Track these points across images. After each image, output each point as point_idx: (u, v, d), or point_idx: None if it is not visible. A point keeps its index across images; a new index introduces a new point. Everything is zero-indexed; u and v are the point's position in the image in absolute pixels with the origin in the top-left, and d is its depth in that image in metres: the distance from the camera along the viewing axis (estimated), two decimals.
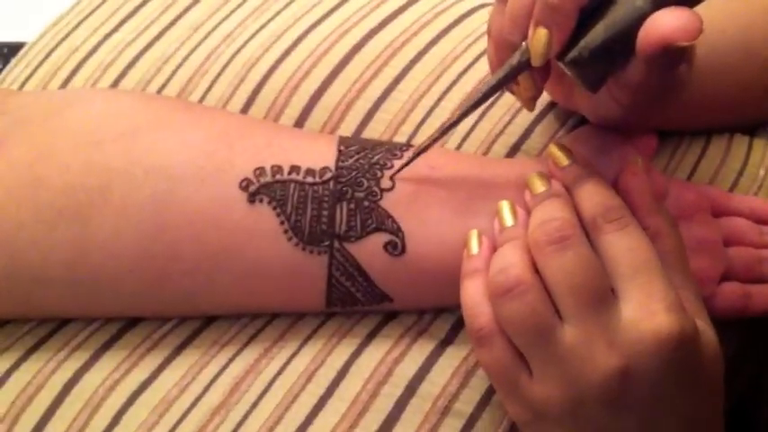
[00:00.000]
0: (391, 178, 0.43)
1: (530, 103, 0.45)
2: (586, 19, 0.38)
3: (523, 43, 0.40)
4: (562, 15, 0.37)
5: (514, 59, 0.40)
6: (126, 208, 0.41)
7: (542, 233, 0.38)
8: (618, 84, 0.39)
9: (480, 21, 0.54)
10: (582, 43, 0.38)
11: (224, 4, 0.55)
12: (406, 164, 0.43)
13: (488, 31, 0.44)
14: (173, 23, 0.54)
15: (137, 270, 0.42)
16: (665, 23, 0.34)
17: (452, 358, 0.44)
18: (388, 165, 0.43)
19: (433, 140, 0.43)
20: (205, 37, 0.53)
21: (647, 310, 0.36)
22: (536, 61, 0.39)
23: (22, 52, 0.56)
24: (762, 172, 0.51)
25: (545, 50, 0.38)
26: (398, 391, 0.43)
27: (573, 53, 0.38)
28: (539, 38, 0.38)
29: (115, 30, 0.54)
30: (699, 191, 0.47)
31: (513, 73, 0.41)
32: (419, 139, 0.49)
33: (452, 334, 0.45)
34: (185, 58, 0.52)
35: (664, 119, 0.49)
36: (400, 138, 0.49)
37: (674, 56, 0.35)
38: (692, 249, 0.44)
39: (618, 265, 0.38)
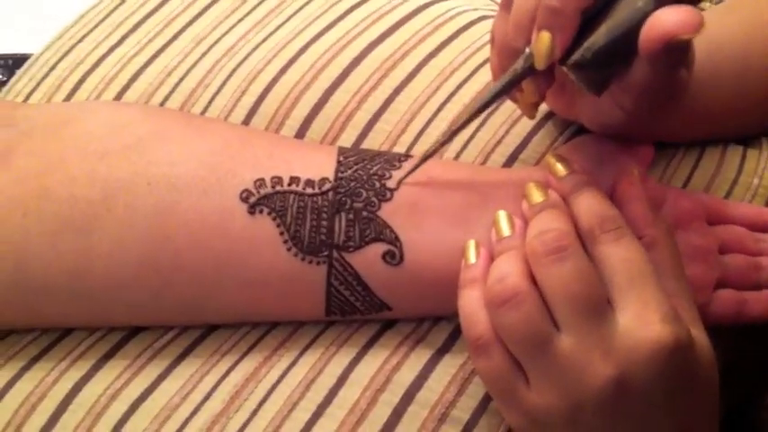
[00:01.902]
0: (397, 185, 0.43)
1: (531, 110, 0.45)
2: (589, 23, 0.38)
3: (527, 49, 0.40)
4: (564, 18, 0.37)
5: (518, 65, 0.41)
6: (129, 219, 0.42)
7: (540, 243, 0.39)
8: (621, 87, 0.40)
9: (479, 34, 0.54)
10: (585, 46, 0.38)
11: (226, 17, 0.56)
12: (413, 170, 0.44)
13: (491, 40, 0.44)
14: (176, 37, 0.55)
15: (140, 280, 0.42)
16: (666, 19, 0.34)
17: (450, 366, 0.44)
18: (387, 175, 0.44)
19: (440, 145, 0.44)
20: (208, 50, 0.54)
21: (642, 320, 0.37)
22: (540, 64, 0.39)
23: (26, 64, 0.56)
24: (756, 181, 0.51)
25: (548, 53, 0.38)
26: (396, 399, 0.43)
27: (576, 56, 0.38)
28: (542, 41, 0.38)
29: (119, 43, 0.55)
30: (694, 199, 0.48)
31: (518, 78, 0.41)
32: (419, 150, 0.49)
33: (450, 342, 0.45)
34: (188, 71, 0.53)
35: (662, 129, 0.49)
36: (400, 148, 0.50)
37: (676, 52, 0.36)
38: (687, 257, 0.45)
39: (614, 275, 0.38)
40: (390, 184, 0.44)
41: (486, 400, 0.44)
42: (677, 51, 0.36)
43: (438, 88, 0.52)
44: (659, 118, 0.46)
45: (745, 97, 0.50)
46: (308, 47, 0.53)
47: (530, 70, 0.40)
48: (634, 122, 0.43)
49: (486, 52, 0.53)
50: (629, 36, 0.36)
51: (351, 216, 0.43)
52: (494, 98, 0.42)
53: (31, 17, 0.88)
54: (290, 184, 0.43)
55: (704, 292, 0.45)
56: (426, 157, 0.44)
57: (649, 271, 0.38)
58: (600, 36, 0.37)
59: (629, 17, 0.36)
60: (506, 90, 0.42)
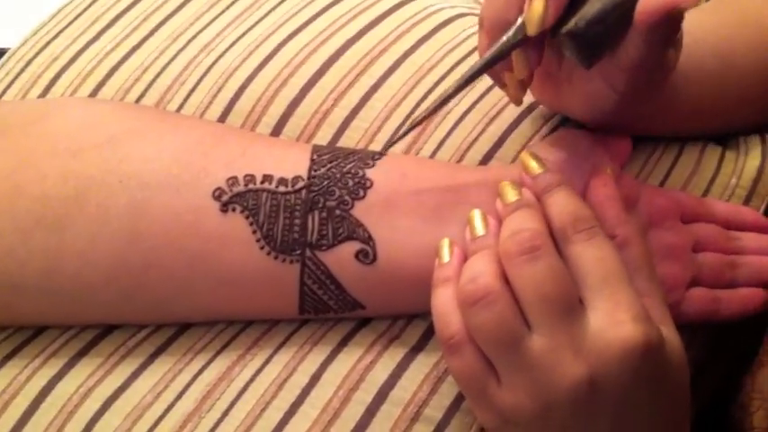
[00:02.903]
0: (384, 149, 0.43)
1: (518, 93, 0.45)
2: None
3: (519, 18, 0.40)
4: None
5: (510, 33, 0.40)
6: (102, 216, 0.42)
7: (513, 243, 0.39)
8: (614, 65, 0.40)
9: (457, 31, 0.54)
10: (578, 14, 0.38)
11: (203, 14, 0.55)
12: (401, 136, 0.43)
13: (480, 22, 0.43)
14: (152, 33, 0.54)
15: (113, 278, 0.42)
16: None
17: (423, 365, 0.45)
18: (360, 174, 0.44)
19: (429, 113, 0.43)
20: (184, 46, 0.54)
21: (613, 320, 0.37)
22: (532, 29, 0.39)
23: (2, 60, 0.56)
24: (734, 180, 0.51)
25: (541, 19, 0.38)
26: (369, 398, 0.43)
27: (569, 25, 0.38)
28: (535, 5, 0.38)
29: (95, 38, 0.55)
30: (669, 196, 0.48)
31: (509, 48, 0.41)
32: (395, 149, 0.49)
33: (424, 341, 0.45)
34: (164, 68, 0.53)
35: (643, 121, 0.49)
36: (376, 146, 0.50)
37: (671, 26, 0.36)
38: (661, 255, 0.45)
39: (586, 275, 0.38)
40: (373, 173, 0.44)
41: (459, 398, 0.44)
42: (672, 25, 0.36)
43: (415, 86, 0.52)
44: (646, 104, 0.46)
45: (728, 95, 0.50)
46: (284, 44, 0.53)
47: (521, 41, 0.40)
48: (624, 107, 0.43)
49: (464, 50, 0.53)
50: (624, 7, 0.36)
51: (324, 214, 0.43)
52: (485, 67, 0.41)
53: (6, 12, 0.88)
54: (262, 182, 0.43)
55: (677, 290, 0.46)
56: (415, 124, 0.43)
57: (621, 271, 0.38)
58: (594, 6, 0.38)
59: None
60: (496, 60, 0.41)
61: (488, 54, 0.41)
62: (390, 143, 0.44)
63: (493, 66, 0.42)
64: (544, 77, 0.46)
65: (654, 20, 0.35)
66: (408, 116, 0.50)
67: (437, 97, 0.43)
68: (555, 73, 0.45)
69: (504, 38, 0.40)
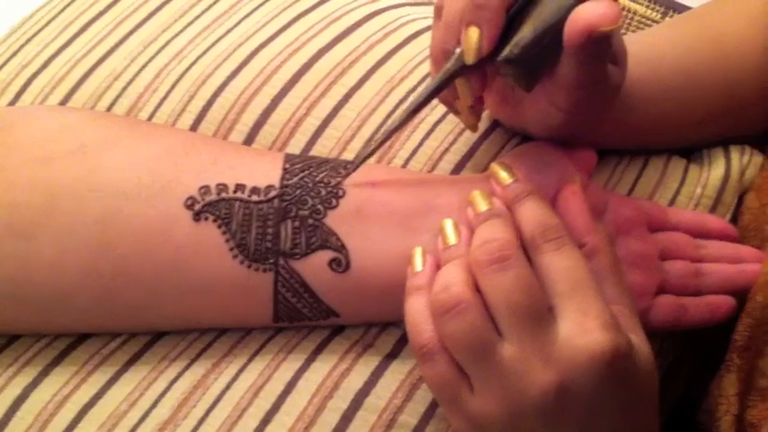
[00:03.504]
0: (336, 187, 0.44)
1: (472, 120, 0.46)
2: (516, 20, 0.40)
3: (457, 49, 0.41)
4: (489, 11, 0.39)
5: (450, 63, 0.42)
6: (71, 225, 0.42)
7: (483, 253, 0.39)
8: (553, 84, 0.41)
9: (427, 42, 0.54)
10: (513, 40, 0.39)
11: (175, 21, 0.55)
12: (355, 168, 0.44)
13: (430, 50, 0.45)
14: (123, 40, 0.54)
15: (83, 286, 0.42)
16: (586, 13, 0.37)
17: (398, 372, 0.45)
18: (333, 183, 0.44)
19: (379, 144, 0.45)
20: (156, 54, 0.53)
21: (582, 328, 0.38)
22: (469, 59, 0.40)
23: None
24: (699, 190, 0.52)
25: (476, 48, 0.40)
26: (344, 405, 0.44)
27: (505, 52, 0.40)
28: (470, 35, 0.40)
29: (66, 45, 0.54)
30: (636, 206, 0.49)
31: (450, 77, 0.42)
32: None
33: (398, 348, 0.46)
34: (136, 75, 0.53)
35: (604, 135, 0.50)
36: (349, 155, 0.50)
37: (599, 45, 0.38)
38: (628, 264, 0.46)
39: (555, 283, 0.39)
40: (344, 182, 0.44)
41: (434, 405, 0.44)
42: (600, 44, 0.38)
43: (387, 95, 0.52)
44: (597, 121, 0.47)
45: (689, 111, 0.52)
46: (257, 52, 0.53)
47: (461, 69, 0.42)
48: (573, 123, 0.44)
49: None
50: (554, 31, 0.38)
51: (297, 223, 0.43)
52: (428, 98, 0.43)
53: None
54: (235, 192, 0.43)
55: (645, 298, 0.46)
56: (364, 158, 0.44)
57: (589, 279, 0.39)
58: (527, 31, 0.39)
59: (553, 12, 0.38)
60: (439, 89, 0.43)
61: (431, 84, 0.43)
62: (346, 175, 0.44)
63: (437, 95, 0.43)
64: (500, 99, 0.47)
65: (580, 42, 0.37)
66: (381, 126, 0.51)
67: (384, 130, 0.44)
68: (508, 95, 0.46)
69: (444, 69, 0.42)
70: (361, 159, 0.45)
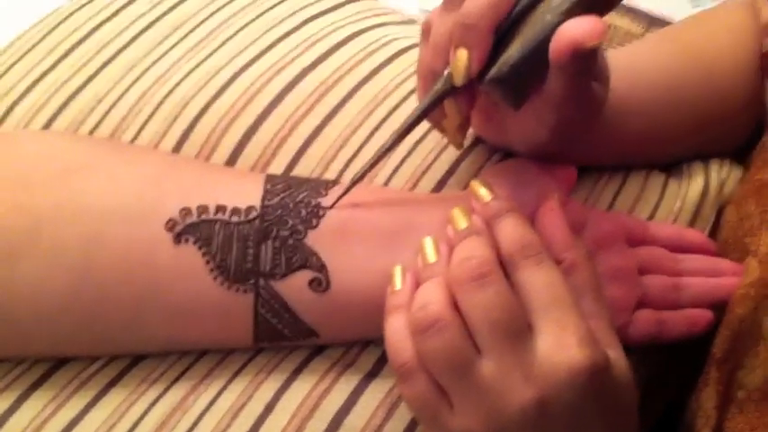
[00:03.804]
0: (327, 210, 0.44)
1: (458, 138, 0.46)
2: (504, 40, 0.40)
3: (445, 70, 0.42)
4: (478, 33, 0.39)
5: (439, 84, 0.42)
6: (54, 249, 0.42)
7: (462, 271, 0.39)
8: (540, 102, 0.41)
9: (411, 61, 0.55)
10: (501, 60, 0.40)
11: (158, 44, 0.55)
12: (343, 194, 0.44)
13: (417, 69, 0.45)
14: (106, 64, 0.54)
15: (66, 310, 0.42)
16: (571, 29, 0.37)
17: (377, 391, 0.45)
18: (313, 203, 0.44)
19: (368, 168, 0.45)
20: (139, 77, 0.54)
21: (560, 344, 0.37)
22: (458, 81, 0.41)
23: None
24: (678, 204, 0.52)
25: (465, 69, 0.40)
26: (324, 426, 0.44)
27: (493, 71, 0.40)
28: (459, 58, 0.40)
29: (49, 70, 0.55)
30: (615, 221, 0.49)
31: (439, 98, 0.43)
32: (349, 177, 0.50)
33: (378, 366, 0.46)
34: (119, 98, 0.53)
35: (587, 152, 0.50)
36: (331, 174, 0.50)
37: (583, 61, 0.38)
38: (607, 278, 0.46)
39: (533, 300, 0.39)
40: (325, 202, 0.44)
41: (414, 424, 0.44)
42: (584, 60, 0.38)
43: (370, 114, 0.52)
44: (581, 137, 0.47)
45: (669, 126, 0.52)
46: (240, 73, 0.53)
47: (450, 90, 0.42)
48: (558, 140, 0.44)
49: None
50: (541, 49, 0.38)
51: (277, 244, 0.43)
52: (417, 119, 0.44)
53: None
54: (216, 213, 0.43)
55: (624, 313, 0.46)
56: (355, 181, 0.45)
57: (567, 295, 0.39)
58: (514, 51, 0.39)
59: (539, 31, 0.39)
60: (429, 110, 0.43)
61: (420, 106, 0.43)
62: (336, 201, 0.44)
63: (427, 116, 0.44)
64: (484, 117, 0.47)
65: (566, 58, 0.37)
66: (363, 144, 0.51)
67: (376, 151, 0.45)
68: (493, 113, 0.46)
69: (434, 90, 0.43)
70: (353, 182, 0.45)
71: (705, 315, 0.48)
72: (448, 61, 0.41)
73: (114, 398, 0.45)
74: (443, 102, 0.43)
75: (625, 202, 0.52)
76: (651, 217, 0.52)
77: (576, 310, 0.39)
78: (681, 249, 0.50)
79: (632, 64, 0.51)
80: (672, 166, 0.55)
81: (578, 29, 0.37)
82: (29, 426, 0.43)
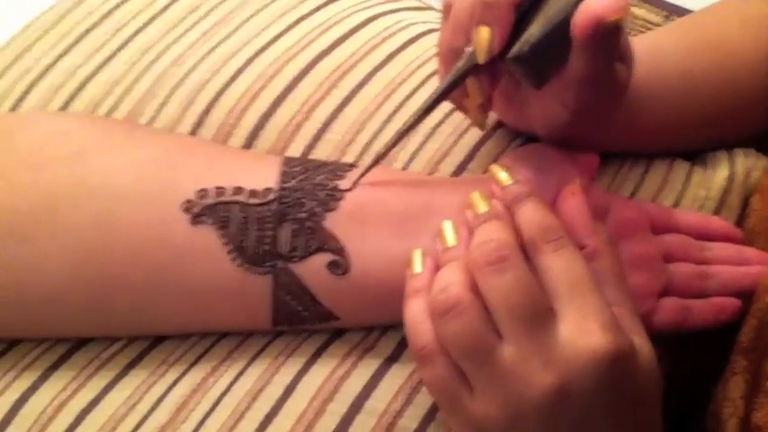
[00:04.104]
0: (351, 187, 0.44)
1: (480, 118, 0.46)
2: (526, 18, 0.40)
3: (468, 48, 0.41)
4: (500, 10, 0.39)
5: (461, 63, 0.42)
6: (69, 229, 0.42)
7: (481, 254, 0.39)
8: (562, 83, 0.41)
9: (427, 45, 0.55)
10: (522, 39, 0.39)
11: (174, 27, 0.55)
12: (364, 173, 0.44)
13: (438, 51, 0.45)
14: (123, 46, 0.54)
15: (81, 290, 0.42)
16: (594, 4, 0.37)
17: (397, 376, 0.45)
18: (331, 185, 0.44)
19: (389, 147, 0.45)
20: (155, 60, 0.54)
21: (582, 330, 0.37)
22: (480, 58, 0.41)
23: None
24: (703, 192, 0.52)
25: (488, 47, 0.40)
26: (344, 409, 0.43)
27: (515, 49, 0.40)
28: (481, 35, 0.40)
29: (66, 52, 0.55)
30: (639, 208, 0.48)
31: (461, 76, 0.42)
32: (367, 160, 0.49)
33: (398, 351, 0.46)
34: (135, 81, 0.53)
35: (609, 138, 0.50)
36: (348, 158, 0.50)
37: (607, 38, 0.38)
38: (631, 265, 0.45)
39: (555, 284, 0.39)
40: (343, 185, 0.44)
41: (434, 409, 0.44)
42: (607, 36, 0.38)
43: (386, 99, 0.52)
44: (604, 121, 0.47)
45: (693, 113, 0.51)
46: (256, 57, 0.53)
47: (472, 68, 0.42)
48: (580, 123, 0.44)
49: (434, 65, 0.53)
50: (563, 26, 0.38)
51: (295, 226, 0.43)
52: (439, 98, 0.43)
53: None
54: (233, 195, 0.43)
55: (649, 300, 0.46)
56: (375, 161, 0.44)
57: (590, 280, 0.39)
58: (536, 28, 0.39)
59: (561, 7, 0.39)
60: (451, 89, 0.43)
61: (442, 84, 0.43)
62: (357, 181, 0.44)
63: (448, 94, 0.43)
64: (506, 99, 0.47)
65: (588, 34, 0.37)
66: (380, 129, 0.51)
67: (398, 129, 0.45)
68: (515, 94, 0.46)
69: (455, 69, 0.42)
70: (373, 162, 0.44)
71: (732, 303, 0.47)
72: (469, 39, 0.41)
73: (134, 379, 0.45)
74: (465, 80, 0.43)
75: (649, 189, 0.51)
76: (676, 205, 0.51)
77: (598, 296, 0.38)
78: (706, 237, 0.50)
79: (655, 51, 0.51)
80: (696, 154, 0.54)
81: (600, 3, 0.37)
82: (49, 406, 0.43)
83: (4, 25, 0.59)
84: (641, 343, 0.39)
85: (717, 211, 0.52)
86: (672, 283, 0.47)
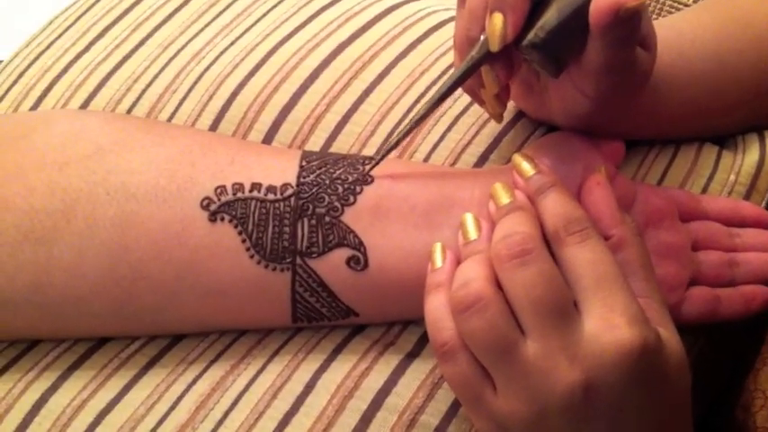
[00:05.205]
0: (364, 175, 0.43)
1: (497, 109, 0.45)
2: (541, 4, 0.39)
3: (482, 36, 0.40)
4: None
5: (474, 50, 0.41)
6: (89, 229, 0.41)
7: (504, 247, 0.38)
8: (579, 71, 0.40)
9: (449, 34, 0.54)
10: (538, 25, 0.38)
11: (193, 22, 0.55)
12: (375, 164, 0.44)
13: (453, 39, 0.44)
14: (142, 42, 0.54)
15: (101, 290, 0.42)
16: None
17: (418, 371, 0.44)
18: (350, 179, 0.43)
19: (404, 135, 0.44)
20: (174, 55, 0.53)
21: (608, 324, 0.36)
22: (494, 46, 0.39)
23: None
24: (732, 177, 0.50)
25: (501, 34, 0.39)
26: (364, 405, 0.43)
27: (530, 36, 0.39)
28: (494, 22, 0.39)
29: (86, 49, 0.55)
30: (667, 195, 0.47)
31: (475, 64, 0.41)
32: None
33: (419, 347, 0.45)
34: (155, 77, 0.53)
35: (635, 125, 0.48)
36: (369, 150, 0.49)
37: (626, 26, 0.37)
38: (659, 255, 0.44)
39: (579, 277, 0.38)
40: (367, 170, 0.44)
41: (456, 404, 0.43)
42: (627, 24, 0.36)
43: (408, 89, 0.51)
44: (627, 108, 0.46)
45: (721, 96, 0.50)
46: (275, 50, 0.53)
47: (486, 56, 0.41)
48: (601, 112, 0.43)
49: None
50: (580, 13, 0.37)
51: (313, 221, 0.42)
52: (453, 86, 0.42)
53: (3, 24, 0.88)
54: (251, 191, 0.42)
55: (677, 290, 0.45)
56: (388, 150, 0.44)
57: (616, 272, 0.38)
58: (552, 15, 0.38)
59: None
60: (464, 78, 0.42)
61: (456, 72, 0.42)
62: (371, 167, 0.44)
63: (462, 83, 0.43)
64: (525, 88, 0.46)
65: (606, 21, 0.36)
66: (401, 120, 0.50)
67: (411, 118, 0.44)
68: (534, 84, 0.45)
69: (469, 57, 0.41)
70: (387, 150, 0.44)
71: (763, 291, 0.46)
72: (484, 27, 0.40)
73: (153, 378, 0.44)
74: (480, 69, 0.42)
75: (676, 176, 0.50)
76: (704, 191, 0.50)
77: (624, 289, 0.37)
78: (736, 223, 0.48)
79: (681, 33, 0.49)
80: (725, 139, 0.53)
81: None
82: (68, 405, 0.43)
83: (23, 26, 0.59)
84: (669, 335, 0.38)
85: (746, 196, 0.50)
86: (700, 272, 0.46)
